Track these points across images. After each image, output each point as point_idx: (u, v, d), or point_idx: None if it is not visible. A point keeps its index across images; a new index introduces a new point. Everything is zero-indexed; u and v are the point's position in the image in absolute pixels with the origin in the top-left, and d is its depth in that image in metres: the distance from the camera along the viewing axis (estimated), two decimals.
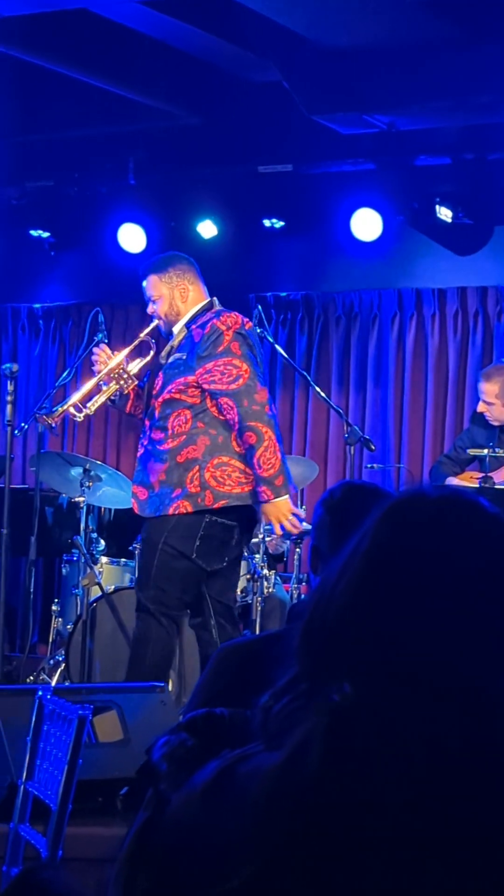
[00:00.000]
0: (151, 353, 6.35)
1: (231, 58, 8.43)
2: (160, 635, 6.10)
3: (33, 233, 9.89)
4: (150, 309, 6.31)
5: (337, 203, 9.23)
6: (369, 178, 9.13)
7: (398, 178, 9.09)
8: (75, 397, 6.30)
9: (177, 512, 6.03)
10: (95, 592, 7.26)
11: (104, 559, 7.85)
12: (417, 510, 1.92)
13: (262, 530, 7.16)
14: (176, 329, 6.25)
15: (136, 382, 6.33)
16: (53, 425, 6.24)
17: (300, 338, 9.70)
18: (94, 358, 6.29)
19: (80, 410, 6.28)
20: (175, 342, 6.24)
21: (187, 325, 6.21)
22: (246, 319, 6.19)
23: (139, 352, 6.42)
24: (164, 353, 6.28)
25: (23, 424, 6.68)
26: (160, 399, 6.14)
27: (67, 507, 8.57)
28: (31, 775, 3.34)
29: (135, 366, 6.34)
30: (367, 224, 9.15)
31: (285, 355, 8.13)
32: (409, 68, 8.02)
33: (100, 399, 6.29)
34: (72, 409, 6.26)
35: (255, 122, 8.98)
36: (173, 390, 6.10)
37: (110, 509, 8.50)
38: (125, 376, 6.26)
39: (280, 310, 9.76)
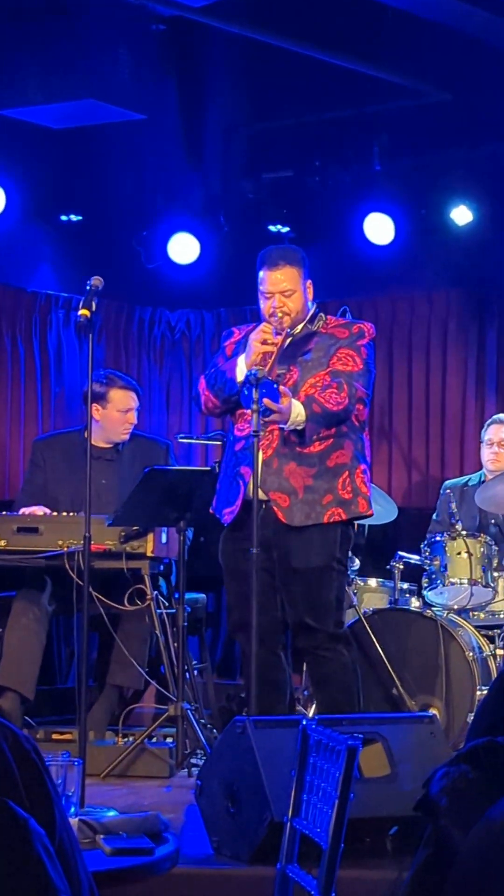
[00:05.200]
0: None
1: (484, 26, 8.06)
2: (355, 656, 6.03)
3: (272, 228, 9.70)
4: (277, 301, 5.88)
5: None
6: None
7: None
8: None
9: (332, 520, 5.86)
10: (351, 615, 6.91)
11: (360, 580, 7.55)
12: None
13: None
14: (297, 328, 5.96)
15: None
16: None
17: None
18: (261, 335, 5.75)
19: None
20: (297, 336, 5.95)
21: (309, 322, 5.99)
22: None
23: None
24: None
25: None
26: (297, 398, 5.80)
27: None
28: (297, 812, 3.32)
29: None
30: None
31: None
32: None
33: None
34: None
35: None
36: None
37: (364, 526, 8.06)
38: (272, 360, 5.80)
39: None
